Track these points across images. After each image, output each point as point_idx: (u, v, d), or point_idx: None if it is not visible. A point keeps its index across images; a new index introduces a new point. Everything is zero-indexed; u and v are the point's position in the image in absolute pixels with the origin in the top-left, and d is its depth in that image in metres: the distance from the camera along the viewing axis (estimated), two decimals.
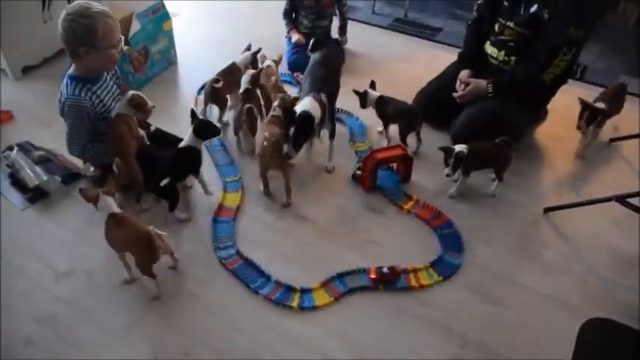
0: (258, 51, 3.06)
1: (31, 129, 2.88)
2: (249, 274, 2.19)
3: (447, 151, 2.47)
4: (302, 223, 2.44)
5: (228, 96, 2.92)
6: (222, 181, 2.64)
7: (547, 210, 2.52)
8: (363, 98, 2.83)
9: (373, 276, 2.15)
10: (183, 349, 1.93)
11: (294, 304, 2.08)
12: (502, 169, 2.58)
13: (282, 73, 3.47)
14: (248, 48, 3.11)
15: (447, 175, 2.48)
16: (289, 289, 2.14)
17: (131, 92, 2.37)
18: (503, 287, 2.18)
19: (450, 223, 2.44)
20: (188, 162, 2.40)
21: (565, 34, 2.51)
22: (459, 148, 2.45)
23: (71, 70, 2.32)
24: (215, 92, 2.87)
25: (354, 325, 2.03)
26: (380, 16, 4.29)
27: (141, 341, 1.96)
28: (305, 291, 2.13)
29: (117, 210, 2.02)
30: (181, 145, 2.38)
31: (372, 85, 2.88)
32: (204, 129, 2.37)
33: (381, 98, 2.82)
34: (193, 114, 2.39)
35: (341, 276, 2.19)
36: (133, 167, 2.34)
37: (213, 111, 3.03)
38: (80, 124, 2.31)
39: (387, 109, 2.81)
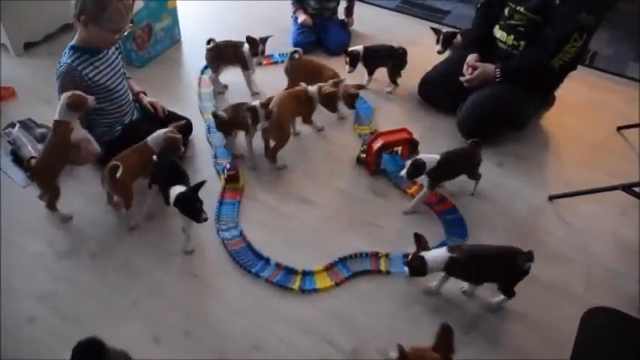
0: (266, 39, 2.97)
1: (33, 106, 2.86)
2: (250, 257, 2.19)
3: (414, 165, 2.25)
4: (306, 206, 2.42)
5: None
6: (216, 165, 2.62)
7: (552, 197, 2.50)
8: (354, 56, 2.99)
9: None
10: (184, 329, 1.94)
11: (296, 286, 2.08)
12: (474, 172, 2.45)
13: (286, 54, 3.43)
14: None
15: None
16: (291, 272, 2.13)
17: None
18: None
19: (454, 208, 2.42)
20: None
21: (576, 20, 2.47)
22: (425, 159, 2.25)
23: (73, 41, 2.29)
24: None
25: (355, 309, 2.03)
26: None
27: (141, 321, 1.96)
28: (307, 273, 2.13)
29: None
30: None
31: None
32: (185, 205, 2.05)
33: (366, 48, 3.01)
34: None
35: (343, 260, 2.18)
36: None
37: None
38: (64, 91, 2.19)
39: (376, 56, 3.03)
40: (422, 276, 1.97)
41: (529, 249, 1.88)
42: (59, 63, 2.29)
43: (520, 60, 2.69)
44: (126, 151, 2.22)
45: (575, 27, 2.49)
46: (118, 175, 2.08)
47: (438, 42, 3.05)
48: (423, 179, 2.35)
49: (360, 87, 2.74)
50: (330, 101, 2.62)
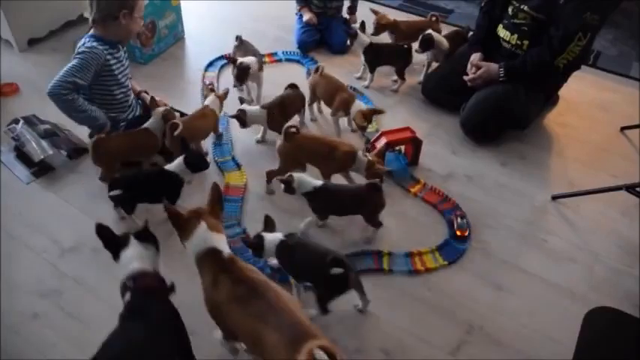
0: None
1: (36, 102, 2.85)
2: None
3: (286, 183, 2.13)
4: (306, 207, 2.39)
5: None
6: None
7: (555, 197, 2.50)
8: (354, 37, 3.02)
9: None
10: (188, 328, 1.93)
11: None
12: (371, 216, 2.20)
13: (289, 52, 3.43)
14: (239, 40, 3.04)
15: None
16: None
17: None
18: (510, 274, 2.17)
19: (458, 207, 2.42)
20: (168, 187, 2.19)
21: (581, 20, 2.46)
22: (308, 186, 2.12)
23: (91, 32, 2.36)
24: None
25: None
26: None
27: None
28: None
29: None
30: (168, 167, 2.22)
31: (362, 26, 3.07)
32: (195, 162, 2.21)
33: (370, 45, 3.02)
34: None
35: (347, 256, 2.18)
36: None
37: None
38: (87, 68, 2.25)
39: (381, 54, 3.05)
40: (259, 257, 1.93)
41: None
42: (82, 44, 2.34)
43: (524, 59, 2.68)
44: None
45: (579, 26, 2.48)
46: (177, 133, 2.29)
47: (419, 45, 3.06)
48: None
49: (378, 111, 2.63)
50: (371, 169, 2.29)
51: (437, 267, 2.17)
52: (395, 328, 1.97)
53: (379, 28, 3.30)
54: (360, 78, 3.21)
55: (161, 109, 2.43)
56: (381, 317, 2.00)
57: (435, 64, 3.17)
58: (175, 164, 2.20)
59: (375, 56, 3.06)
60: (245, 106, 2.58)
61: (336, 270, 1.73)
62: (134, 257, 1.61)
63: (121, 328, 1.50)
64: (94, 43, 2.30)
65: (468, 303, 2.06)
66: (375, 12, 3.33)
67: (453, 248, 2.25)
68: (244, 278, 1.53)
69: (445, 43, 3.05)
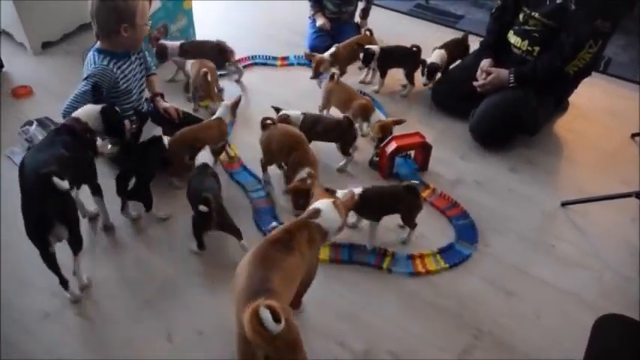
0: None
1: (50, 104, 2.89)
2: (268, 217, 2.37)
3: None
4: None
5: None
6: None
7: (565, 204, 2.49)
8: (369, 55, 3.03)
9: None
10: (196, 327, 1.95)
11: None
12: (409, 216, 2.24)
13: (300, 56, 3.45)
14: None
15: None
16: None
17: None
18: (518, 279, 2.17)
19: (466, 213, 2.42)
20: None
21: (592, 26, 2.46)
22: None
23: (97, 45, 2.35)
24: None
25: (365, 310, 2.03)
26: (401, 1, 4.23)
27: (154, 318, 1.98)
28: None
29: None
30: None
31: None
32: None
33: (382, 50, 3.05)
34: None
35: (350, 247, 2.24)
36: None
37: None
38: (102, 91, 2.28)
39: (391, 57, 3.08)
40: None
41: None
42: (88, 65, 2.32)
43: (534, 65, 2.68)
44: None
45: (590, 33, 2.48)
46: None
47: (422, 74, 3.05)
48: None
49: (397, 122, 2.64)
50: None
51: (438, 270, 2.17)
52: (403, 330, 1.97)
53: (319, 73, 3.02)
54: (364, 82, 3.23)
55: (228, 102, 2.60)
56: (390, 320, 2.00)
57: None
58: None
59: (385, 59, 3.08)
60: (288, 111, 2.59)
61: (202, 207, 1.99)
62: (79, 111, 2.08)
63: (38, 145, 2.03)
64: (104, 62, 2.30)
65: (477, 307, 2.06)
66: (309, 57, 3.12)
67: (456, 252, 2.25)
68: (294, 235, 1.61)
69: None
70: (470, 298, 2.09)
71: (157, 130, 2.36)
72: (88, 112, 2.11)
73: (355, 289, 2.11)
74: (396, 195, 2.19)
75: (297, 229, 1.62)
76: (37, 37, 3.38)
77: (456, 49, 3.19)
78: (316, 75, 3.00)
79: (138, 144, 2.29)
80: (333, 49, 3.07)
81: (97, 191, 2.22)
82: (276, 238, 1.58)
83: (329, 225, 1.70)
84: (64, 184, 1.78)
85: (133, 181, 2.24)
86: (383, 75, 3.14)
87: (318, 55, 3.03)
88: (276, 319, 1.25)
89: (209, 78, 2.82)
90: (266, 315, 1.24)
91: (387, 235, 2.29)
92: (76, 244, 1.95)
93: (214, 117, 2.57)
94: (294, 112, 2.58)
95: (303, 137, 2.38)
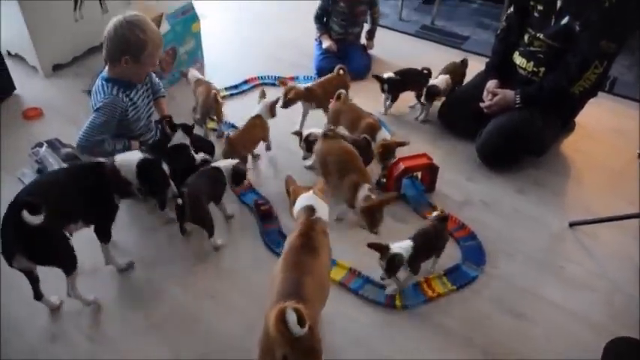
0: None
1: (59, 126, 2.93)
2: (277, 238, 2.38)
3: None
4: None
5: None
6: None
7: (573, 224, 2.48)
8: (384, 82, 3.05)
9: None
10: (203, 350, 1.95)
11: None
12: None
13: (309, 77, 3.48)
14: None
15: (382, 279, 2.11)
16: None
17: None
18: (527, 301, 2.15)
19: (473, 235, 2.41)
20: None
21: (597, 47, 2.48)
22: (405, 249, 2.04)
23: (105, 73, 2.37)
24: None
25: (373, 331, 2.02)
26: (407, 22, 4.29)
27: (161, 340, 1.97)
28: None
29: None
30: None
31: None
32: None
33: (394, 78, 3.05)
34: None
35: (367, 279, 2.20)
36: None
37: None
38: (110, 122, 2.33)
39: (404, 81, 3.08)
40: None
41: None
42: (96, 94, 2.35)
43: (540, 85, 2.69)
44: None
45: (595, 54, 2.49)
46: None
47: (420, 95, 3.09)
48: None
49: (400, 144, 2.62)
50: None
51: (446, 292, 2.16)
52: (411, 352, 1.95)
53: (288, 101, 2.89)
54: (386, 114, 3.22)
55: (267, 100, 2.74)
56: (398, 342, 1.99)
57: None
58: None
59: (398, 85, 3.09)
60: (312, 130, 2.66)
61: (178, 200, 2.15)
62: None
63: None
64: (113, 92, 2.32)
65: (486, 330, 2.04)
66: (282, 83, 3.03)
67: (463, 273, 2.24)
68: (311, 235, 1.69)
69: None
70: (478, 321, 2.07)
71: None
72: (126, 160, 2.11)
73: (362, 309, 2.10)
74: (440, 232, 2.16)
75: (310, 229, 1.70)
76: (49, 60, 3.44)
77: (456, 73, 3.22)
78: (286, 104, 2.87)
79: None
80: (309, 85, 2.98)
81: (103, 236, 2.15)
82: (300, 244, 1.65)
83: (324, 213, 1.80)
84: (33, 219, 1.72)
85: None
86: (395, 99, 3.16)
87: (290, 84, 2.96)
88: (301, 323, 1.29)
89: (219, 99, 2.87)
90: (292, 317, 1.29)
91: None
92: (64, 268, 1.93)
93: (254, 115, 2.71)
94: (317, 131, 2.62)
95: (358, 156, 2.40)
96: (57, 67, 3.49)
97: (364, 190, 2.22)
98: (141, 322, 2.04)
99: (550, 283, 2.24)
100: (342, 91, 2.87)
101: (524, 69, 2.79)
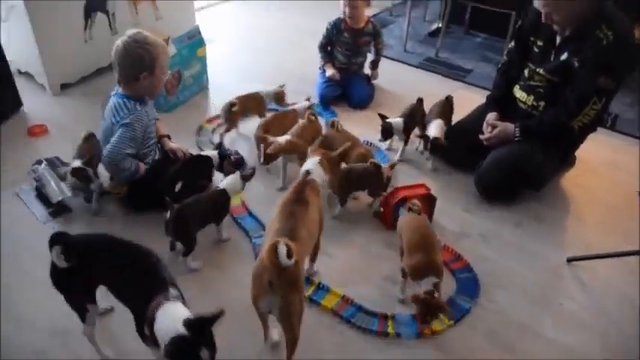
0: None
1: (63, 144, 2.95)
2: None
3: None
4: (321, 258, 2.34)
5: None
6: None
7: (570, 260, 2.46)
8: (388, 130, 2.97)
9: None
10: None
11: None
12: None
13: (313, 104, 3.51)
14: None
15: None
16: (308, 281, 2.27)
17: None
18: (522, 336, 2.12)
19: (469, 267, 2.39)
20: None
21: (595, 84, 2.49)
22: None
23: (122, 91, 2.45)
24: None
25: None
26: (411, 54, 4.35)
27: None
28: (323, 287, 2.26)
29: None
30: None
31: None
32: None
33: (405, 122, 2.99)
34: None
35: (360, 308, 2.17)
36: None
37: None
38: (137, 137, 2.43)
39: (413, 123, 3.09)
40: None
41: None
42: (116, 111, 2.41)
43: (540, 119, 2.70)
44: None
45: (594, 90, 2.51)
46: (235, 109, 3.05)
47: (425, 148, 2.97)
48: None
49: (392, 166, 2.66)
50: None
51: (444, 328, 2.12)
52: None
53: (269, 157, 2.69)
54: (389, 149, 3.19)
55: (307, 102, 3.16)
56: None
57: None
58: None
59: (409, 128, 3.06)
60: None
61: (165, 214, 2.23)
62: None
63: None
64: (137, 107, 2.42)
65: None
66: (262, 139, 2.79)
67: (457, 307, 2.21)
68: (304, 191, 1.98)
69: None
70: (472, 356, 2.04)
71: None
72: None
73: (355, 342, 2.07)
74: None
75: (303, 186, 1.98)
76: (57, 79, 3.49)
77: (445, 115, 3.13)
78: (267, 161, 2.73)
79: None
80: (288, 137, 2.72)
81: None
82: (293, 197, 1.92)
83: (319, 178, 2.09)
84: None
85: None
86: (407, 142, 3.10)
87: (270, 139, 2.71)
88: (289, 255, 1.55)
89: (234, 109, 3.02)
90: (282, 249, 1.54)
91: (385, 300, 2.24)
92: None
93: (290, 108, 3.11)
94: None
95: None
96: (65, 86, 3.55)
97: (428, 284, 1.97)
98: (130, 345, 2.00)
99: (546, 318, 2.21)
100: (336, 119, 2.89)
101: (525, 103, 2.81)
